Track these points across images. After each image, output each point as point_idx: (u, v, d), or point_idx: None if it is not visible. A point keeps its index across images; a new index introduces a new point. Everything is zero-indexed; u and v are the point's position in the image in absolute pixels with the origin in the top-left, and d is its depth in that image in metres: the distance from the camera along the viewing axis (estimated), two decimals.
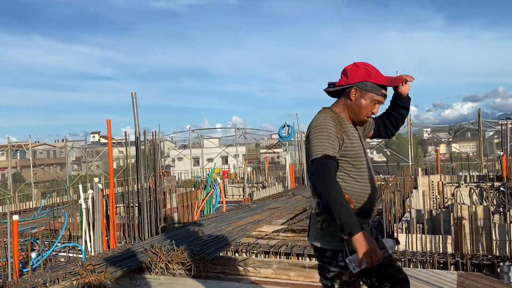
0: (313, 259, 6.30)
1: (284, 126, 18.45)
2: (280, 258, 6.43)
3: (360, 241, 2.03)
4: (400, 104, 2.55)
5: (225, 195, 12.14)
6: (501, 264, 5.04)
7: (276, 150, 30.57)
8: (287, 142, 19.07)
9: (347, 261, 2.09)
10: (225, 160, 32.92)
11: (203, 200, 10.23)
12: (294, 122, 19.35)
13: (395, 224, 6.30)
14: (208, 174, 11.80)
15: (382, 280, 2.35)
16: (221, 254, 5.87)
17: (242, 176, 19.12)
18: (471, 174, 16.75)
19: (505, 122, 18.38)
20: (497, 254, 5.62)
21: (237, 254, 6.77)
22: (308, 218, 8.77)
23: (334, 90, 2.48)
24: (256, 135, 27.58)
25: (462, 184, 11.11)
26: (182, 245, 5.90)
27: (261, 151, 38.06)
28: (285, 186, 15.93)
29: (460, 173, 18.55)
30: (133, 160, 8.49)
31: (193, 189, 10.35)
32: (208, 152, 28.72)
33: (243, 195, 15.68)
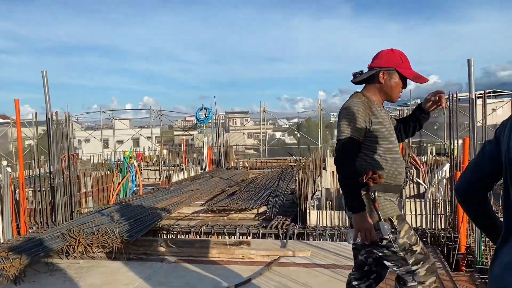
0: (233, 237, 6.62)
1: (202, 109, 18.47)
2: (201, 237, 6.64)
3: (357, 219, 2.35)
4: (418, 117, 2.76)
5: (141, 178, 11.98)
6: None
7: (191, 133, 30.39)
8: (204, 125, 19.15)
9: (345, 232, 2.48)
10: (136, 142, 32.00)
11: (119, 184, 10.03)
12: (211, 105, 19.47)
13: (307, 202, 6.82)
14: (124, 158, 11.54)
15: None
16: (142, 236, 5.92)
17: (157, 159, 18.87)
18: None
19: (402, 108, 20.20)
20: None
21: (158, 236, 6.85)
22: (226, 198, 9.03)
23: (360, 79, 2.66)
24: (170, 116, 27.18)
25: None
26: (101, 228, 5.84)
27: (175, 133, 37.61)
28: (203, 169, 16.08)
29: None
30: (36, 141, 8.02)
31: (108, 172, 10.07)
32: (118, 134, 27.67)
33: (160, 178, 15.54)
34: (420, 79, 2.59)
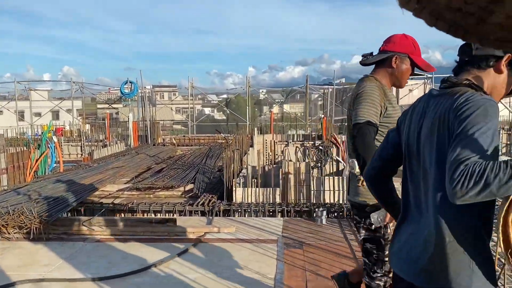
0: (159, 214, 6.63)
1: (127, 82, 17.81)
2: (125, 215, 6.57)
3: None
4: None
5: (61, 155, 11.42)
6: (316, 209, 6.13)
7: (115, 106, 29.24)
8: (129, 99, 18.52)
9: (372, 216, 2.45)
10: (56, 115, 30.15)
11: (37, 160, 9.50)
12: (137, 78, 18.84)
13: (234, 180, 6.99)
14: (42, 132, 10.89)
15: None
16: (63, 215, 5.73)
17: (78, 134, 18.01)
18: (298, 133, 18.90)
19: (327, 88, 21.03)
20: (314, 202, 6.77)
21: (80, 215, 6.66)
22: (152, 176, 8.93)
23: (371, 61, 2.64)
24: (92, 89, 25.88)
25: (290, 143, 12.60)
26: (17, 208, 5.56)
27: (99, 106, 35.93)
28: (128, 145, 15.65)
29: (289, 132, 20.79)
30: None
31: (24, 148, 9.48)
32: (36, 106, 25.87)
33: (82, 154, 14.90)
34: (429, 68, 2.64)
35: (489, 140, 1.41)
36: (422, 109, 1.77)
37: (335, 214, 6.35)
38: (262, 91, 30.21)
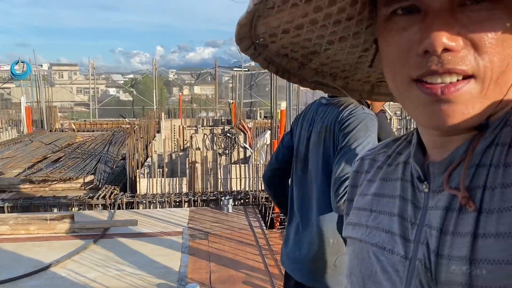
0: (55, 209, 6.21)
1: (18, 62, 16.17)
2: (17, 212, 6.05)
3: None
4: None
5: None
6: (223, 198, 6.19)
7: (6, 86, 26.56)
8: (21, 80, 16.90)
9: None
10: None
11: None
12: (31, 58, 17.22)
13: (138, 170, 6.77)
14: None
15: None
16: None
17: None
18: (208, 116, 18.77)
19: (236, 72, 21.12)
20: (221, 190, 6.83)
21: None
22: (48, 167, 8.30)
23: None
24: None
25: (199, 128, 12.50)
26: None
27: None
28: (20, 131, 14.33)
29: (200, 115, 20.61)
30: None
31: None
32: None
33: None
34: None
35: None
36: (312, 116, 1.85)
37: (241, 201, 6.48)
38: (172, 71, 29.50)
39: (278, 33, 0.60)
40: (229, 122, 14.06)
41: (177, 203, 6.39)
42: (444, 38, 0.43)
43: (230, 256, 4.55)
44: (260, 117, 17.79)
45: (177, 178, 6.76)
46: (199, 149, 8.24)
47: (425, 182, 0.54)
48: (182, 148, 11.58)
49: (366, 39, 0.61)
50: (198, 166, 6.75)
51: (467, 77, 0.45)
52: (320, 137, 1.75)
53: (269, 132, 7.29)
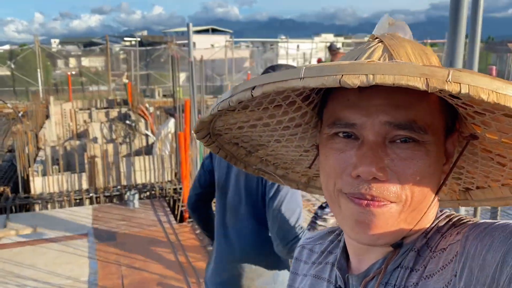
0: None
1: None
2: None
3: None
4: None
5: None
6: (128, 193, 6.01)
7: None
8: None
9: None
10: None
11: None
12: None
13: (29, 168, 6.22)
14: None
15: None
16: None
17: None
18: (100, 89, 17.58)
19: (130, 49, 20.05)
20: (125, 184, 6.60)
21: None
22: None
23: None
24: None
25: (94, 110, 11.75)
26: None
27: None
28: None
29: (91, 88, 19.26)
30: None
31: None
32: None
33: None
34: None
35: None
36: None
37: (148, 194, 6.35)
38: (55, 41, 27.01)
39: (233, 128, 0.66)
40: (125, 102, 13.40)
41: (78, 202, 6.06)
42: (374, 169, 0.50)
43: (142, 257, 4.49)
44: (159, 95, 17.26)
45: (76, 174, 6.36)
46: (96, 139, 7.80)
47: None
48: (75, 133, 10.85)
49: (309, 143, 0.69)
50: (98, 160, 6.42)
51: (390, 201, 0.53)
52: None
53: (172, 120, 7.14)
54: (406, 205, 0.53)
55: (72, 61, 29.16)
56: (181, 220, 5.68)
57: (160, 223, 5.40)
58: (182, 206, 5.81)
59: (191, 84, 6.05)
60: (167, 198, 6.31)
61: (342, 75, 0.40)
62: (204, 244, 4.74)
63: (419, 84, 0.39)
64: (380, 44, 0.55)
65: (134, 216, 5.61)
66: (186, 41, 8.15)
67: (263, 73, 1.94)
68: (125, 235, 5.00)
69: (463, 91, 0.39)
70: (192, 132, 5.92)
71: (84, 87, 20.13)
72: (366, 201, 0.53)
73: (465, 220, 0.58)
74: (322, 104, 0.60)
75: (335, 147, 0.56)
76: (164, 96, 17.21)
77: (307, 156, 0.73)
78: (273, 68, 1.85)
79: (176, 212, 5.82)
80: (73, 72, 23.32)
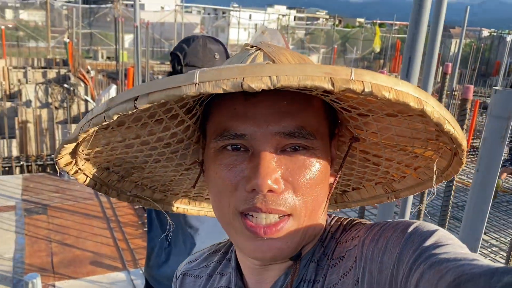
0: None
1: None
2: None
3: None
4: None
5: None
6: None
7: None
8: None
9: None
10: None
11: None
12: None
13: None
14: None
15: None
16: None
17: None
18: (38, 45, 16.40)
19: (73, 6, 18.73)
20: None
21: None
22: None
23: None
24: None
25: (29, 70, 10.95)
26: None
27: None
28: None
29: (28, 44, 17.92)
30: None
31: None
32: None
33: None
34: None
35: None
36: None
37: None
38: None
39: (104, 150, 0.58)
40: (65, 63, 12.58)
41: (7, 170, 5.64)
42: (269, 181, 0.48)
43: (75, 233, 4.27)
44: (102, 57, 16.37)
45: (5, 140, 5.89)
46: (30, 102, 7.23)
47: None
48: (8, 94, 10.07)
49: (191, 159, 0.64)
50: (31, 126, 5.97)
51: (286, 215, 0.51)
52: None
53: (114, 86, 6.75)
54: (302, 216, 0.52)
55: (9, 13, 27.16)
56: None
57: (97, 196, 5.16)
58: None
59: (136, 50, 5.74)
60: None
61: (244, 78, 0.38)
62: (143, 220, 4.59)
63: (325, 84, 0.38)
64: (259, 51, 0.53)
65: (69, 188, 5.32)
66: (132, 2, 7.68)
67: (175, 48, 1.75)
68: (57, 209, 4.73)
69: (366, 89, 0.39)
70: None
71: (20, 42, 18.72)
72: (263, 228, 0.50)
73: (354, 222, 0.59)
74: (204, 116, 0.57)
75: (224, 162, 0.53)
76: (108, 58, 16.35)
77: (188, 175, 0.68)
78: (188, 41, 1.67)
79: None
80: (10, 25, 21.71)
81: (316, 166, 0.52)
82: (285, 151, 0.51)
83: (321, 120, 0.54)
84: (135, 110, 0.41)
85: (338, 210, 0.75)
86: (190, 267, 0.73)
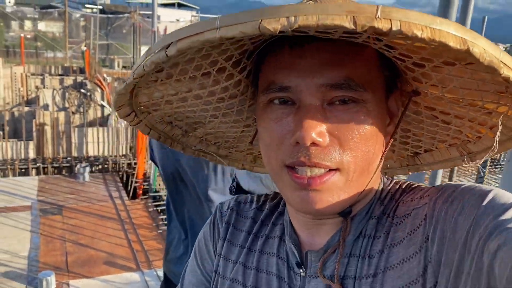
0: None
1: None
2: None
3: None
4: None
5: None
6: (78, 165, 5.70)
7: None
8: None
9: None
10: None
11: None
12: None
13: None
14: None
15: None
16: None
17: None
18: (56, 55, 16.67)
19: (90, 14, 19.07)
20: (76, 155, 6.25)
21: None
22: None
23: None
24: None
25: (47, 77, 11.11)
26: None
27: None
28: None
29: (46, 54, 18.25)
30: None
31: None
32: None
33: None
34: None
35: None
36: None
37: (100, 168, 6.05)
38: (9, 2, 25.46)
39: (161, 103, 0.58)
40: (82, 71, 12.75)
41: (23, 171, 5.68)
42: (313, 134, 0.47)
43: (89, 233, 4.26)
44: (118, 66, 16.56)
45: (22, 142, 5.95)
46: (47, 106, 7.32)
47: (302, 267, 0.57)
48: (25, 100, 10.21)
49: (248, 116, 0.63)
50: (48, 128, 6.03)
51: (333, 169, 0.49)
52: (196, 160, 1.67)
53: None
54: (351, 171, 0.50)
55: (28, 24, 27.78)
56: (134, 196, 5.46)
57: (111, 198, 5.15)
58: (136, 182, 5.59)
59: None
60: (120, 173, 6.05)
61: (261, 20, 0.37)
62: (157, 223, 4.56)
63: (346, 23, 0.36)
64: None
65: (84, 190, 5.32)
66: (150, 12, 7.76)
67: None
68: (72, 210, 4.73)
69: (394, 28, 0.35)
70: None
71: (38, 51, 19.07)
72: (307, 179, 0.49)
73: (414, 186, 0.57)
74: (256, 71, 0.55)
75: (272, 116, 0.52)
76: (124, 67, 16.53)
77: (249, 131, 0.67)
78: None
79: (129, 188, 5.58)
80: (28, 36, 22.17)
81: (366, 121, 0.50)
82: (333, 104, 0.49)
83: (373, 71, 0.51)
84: (167, 58, 0.42)
85: (409, 174, 0.71)
86: (240, 207, 0.69)
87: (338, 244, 0.54)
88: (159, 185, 5.41)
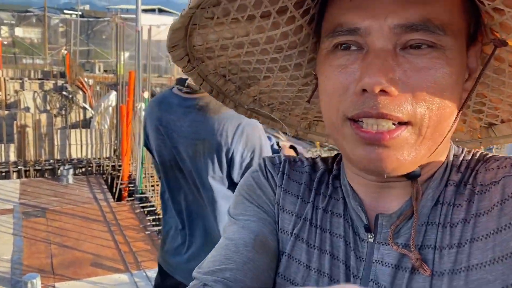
0: None
1: None
2: None
3: None
4: None
5: None
6: (61, 167, 5.56)
7: None
8: None
9: None
10: None
11: None
12: None
13: None
14: None
15: None
16: None
17: None
18: (35, 62, 16.37)
19: (70, 18, 18.83)
20: (59, 158, 6.11)
21: None
22: None
23: None
24: None
25: (26, 81, 10.87)
26: None
27: None
28: None
29: (25, 61, 17.90)
30: None
31: None
32: None
33: None
34: None
35: None
36: (166, 120, 1.66)
37: (83, 170, 5.92)
38: None
39: (215, 48, 0.56)
40: (62, 75, 12.53)
41: (4, 174, 5.52)
42: (383, 80, 0.42)
43: (74, 235, 4.14)
44: (99, 70, 16.34)
45: (3, 145, 5.79)
46: (28, 108, 7.15)
47: (372, 232, 0.51)
48: (4, 104, 9.96)
49: (307, 72, 0.59)
50: (29, 130, 5.88)
51: (403, 123, 0.44)
52: (197, 150, 1.63)
53: (114, 92, 6.70)
54: (424, 126, 0.44)
55: (5, 29, 27.25)
56: (119, 198, 5.34)
57: (96, 200, 5.04)
58: (121, 184, 5.48)
59: (137, 54, 5.70)
60: (104, 176, 5.92)
61: None
62: (145, 224, 4.47)
63: None
64: None
65: (67, 192, 5.19)
66: (131, 16, 7.70)
67: None
68: (56, 212, 4.60)
69: None
70: (135, 105, 5.49)
71: (17, 56, 18.71)
72: (376, 134, 0.43)
73: (489, 155, 0.52)
74: (320, 17, 0.51)
75: (335, 63, 0.47)
76: (105, 71, 16.33)
77: (306, 92, 0.63)
78: None
79: (114, 190, 5.46)
80: (5, 42, 21.74)
81: (444, 68, 0.44)
82: (407, 49, 0.44)
83: (455, 13, 0.44)
84: None
85: (482, 148, 0.63)
86: (292, 163, 0.61)
87: (412, 210, 0.49)
88: (145, 186, 5.32)
